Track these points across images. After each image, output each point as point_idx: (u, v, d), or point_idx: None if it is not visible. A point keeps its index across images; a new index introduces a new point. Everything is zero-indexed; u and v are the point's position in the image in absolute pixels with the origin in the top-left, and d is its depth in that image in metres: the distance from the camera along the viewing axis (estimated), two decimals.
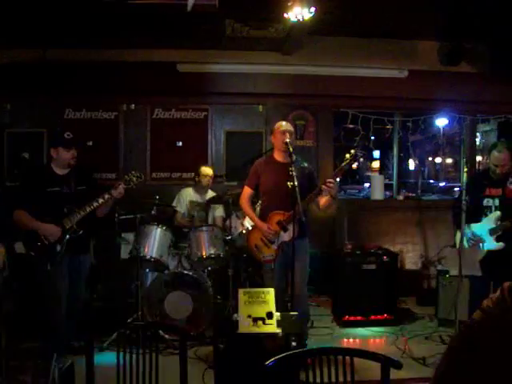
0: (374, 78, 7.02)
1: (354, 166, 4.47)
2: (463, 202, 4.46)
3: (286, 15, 4.93)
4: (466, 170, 4.78)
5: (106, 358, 3.85)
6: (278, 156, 4.79)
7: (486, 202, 4.71)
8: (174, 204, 6.16)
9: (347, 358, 2.26)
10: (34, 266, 4.62)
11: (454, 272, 4.51)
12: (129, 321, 5.19)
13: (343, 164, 4.41)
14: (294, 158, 4.50)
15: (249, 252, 4.96)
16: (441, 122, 9.49)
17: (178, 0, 3.45)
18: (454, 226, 4.99)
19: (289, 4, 4.82)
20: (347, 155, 4.39)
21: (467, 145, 7.54)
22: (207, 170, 6.21)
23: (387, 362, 2.12)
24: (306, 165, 4.82)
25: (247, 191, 4.89)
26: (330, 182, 4.35)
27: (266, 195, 4.79)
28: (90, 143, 6.85)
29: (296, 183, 4.22)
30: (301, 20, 4.91)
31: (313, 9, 4.85)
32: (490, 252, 4.61)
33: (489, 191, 4.72)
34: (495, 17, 5.67)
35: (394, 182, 7.95)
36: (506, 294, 0.99)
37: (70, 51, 6.46)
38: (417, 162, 14.81)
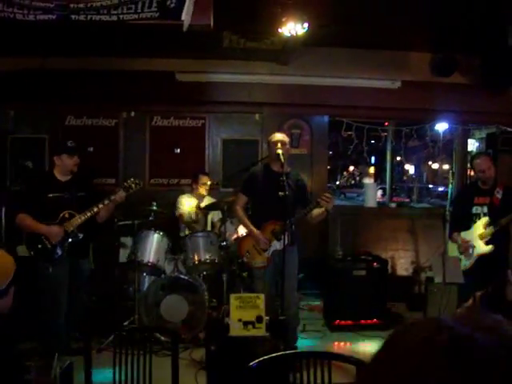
0: (367, 88, 7.16)
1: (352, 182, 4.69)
2: (447, 212, 4.65)
3: (280, 30, 5.10)
4: (451, 180, 4.96)
5: (103, 359, 4.02)
6: (274, 165, 4.81)
7: (475, 209, 4.92)
8: (176, 212, 6.29)
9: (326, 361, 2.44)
10: (35, 269, 4.79)
11: (438, 279, 4.69)
12: (125, 323, 5.36)
13: (341, 181, 4.65)
14: (289, 169, 4.65)
15: (240, 257, 5.08)
16: (441, 126, 9.58)
17: (174, 20, 3.64)
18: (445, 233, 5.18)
19: (283, 20, 4.99)
20: (345, 173, 4.61)
21: (459, 154, 7.70)
22: (205, 179, 6.37)
23: (361, 365, 2.29)
24: (300, 177, 4.92)
25: (242, 198, 4.92)
26: (327, 196, 4.43)
27: (260, 203, 4.85)
28: (91, 149, 7.00)
29: (287, 193, 4.39)
30: (294, 35, 5.09)
31: (306, 24, 5.02)
32: (480, 257, 4.80)
33: (477, 200, 4.92)
34: (486, 29, 5.85)
35: (388, 190, 8.10)
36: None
37: (70, 60, 6.60)
38: (412, 167, 15.00)
